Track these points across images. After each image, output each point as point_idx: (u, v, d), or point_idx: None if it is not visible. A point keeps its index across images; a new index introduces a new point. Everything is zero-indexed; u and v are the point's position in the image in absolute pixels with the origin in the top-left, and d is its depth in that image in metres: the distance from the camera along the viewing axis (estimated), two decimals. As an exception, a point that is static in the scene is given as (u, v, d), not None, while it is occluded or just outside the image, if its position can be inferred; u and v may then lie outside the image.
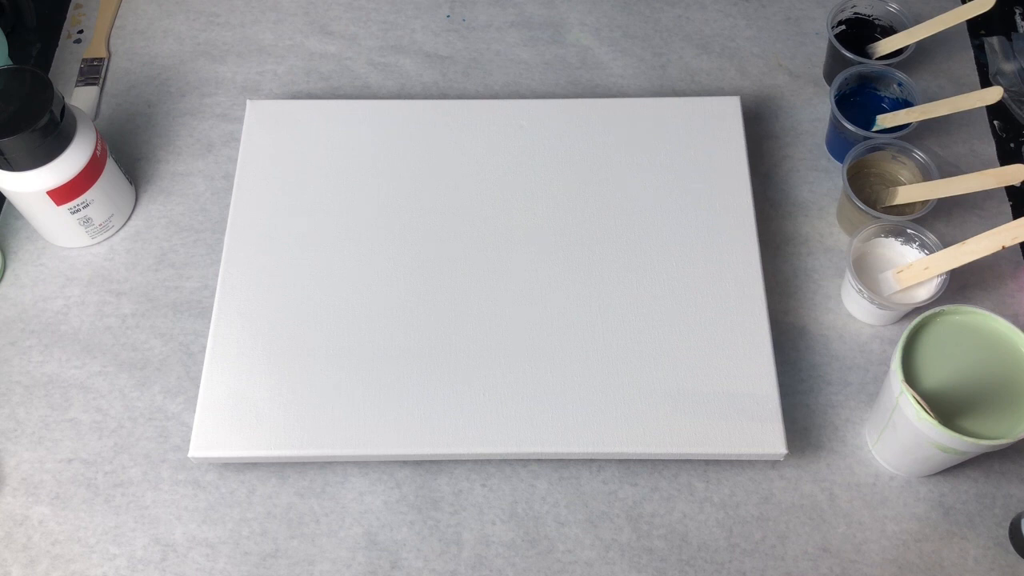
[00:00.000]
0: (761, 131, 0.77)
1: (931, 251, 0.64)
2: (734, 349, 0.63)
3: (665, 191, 0.70)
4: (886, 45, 0.74)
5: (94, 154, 0.66)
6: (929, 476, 0.62)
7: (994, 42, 0.80)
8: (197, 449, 0.61)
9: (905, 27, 0.74)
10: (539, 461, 0.63)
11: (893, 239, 0.66)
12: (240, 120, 0.77)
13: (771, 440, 0.60)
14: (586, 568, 0.60)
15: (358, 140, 0.72)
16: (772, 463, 0.63)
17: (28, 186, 0.64)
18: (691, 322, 0.64)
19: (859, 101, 0.73)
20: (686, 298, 0.65)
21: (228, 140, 0.77)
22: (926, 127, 0.75)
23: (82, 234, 0.70)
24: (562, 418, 0.61)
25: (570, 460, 0.63)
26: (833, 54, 0.75)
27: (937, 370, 0.56)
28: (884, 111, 0.72)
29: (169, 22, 0.83)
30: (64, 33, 0.83)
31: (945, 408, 0.54)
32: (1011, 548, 0.60)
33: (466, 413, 0.61)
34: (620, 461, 0.63)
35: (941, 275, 0.63)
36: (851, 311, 0.68)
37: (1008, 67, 0.79)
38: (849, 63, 0.72)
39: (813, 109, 0.78)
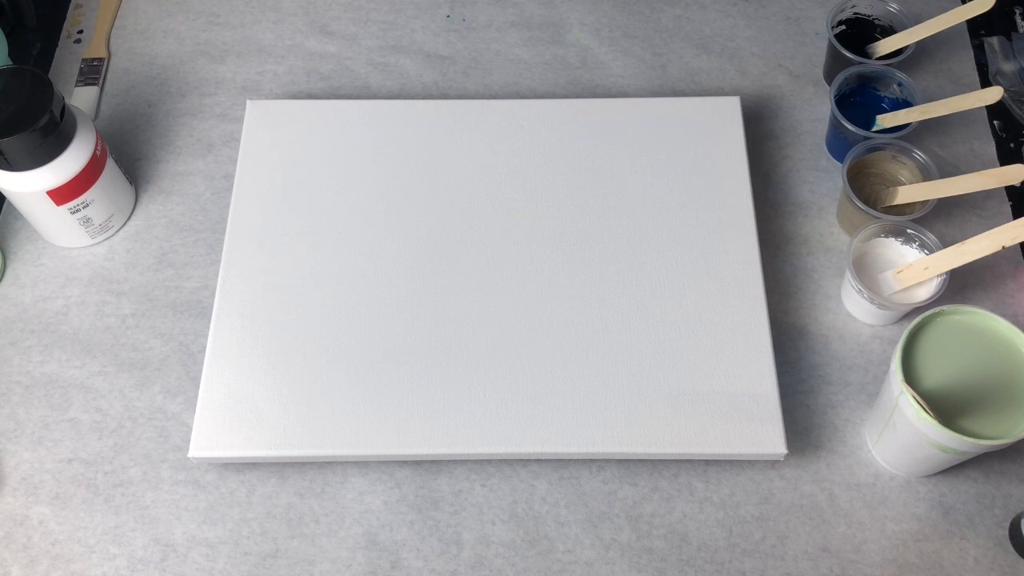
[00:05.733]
0: (761, 131, 0.77)
1: (931, 251, 0.64)
2: (734, 349, 0.63)
3: (665, 191, 0.70)
4: (886, 45, 0.74)
5: (94, 154, 0.66)
6: (929, 476, 0.62)
7: (994, 42, 0.80)
8: (197, 449, 0.61)
9: (905, 27, 0.74)
10: (539, 461, 0.63)
11: (893, 239, 0.66)
12: (240, 120, 0.77)
13: (771, 440, 0.60)
14: (586, 568, 0.60)
15: (358, 140, 0.72)
16: (772, 463, 0.63)
17: (28, 186, 0.64)
18: (691, 322, 0.64)
19: (859, 101, 0.73)
20: (686, 298, 0.65)
21: (228, 140, 0.77)
22: (926, 127, 0.75)
23: (82, 234, 0.70)
24: (562, 418, 0.61)
25: (570, 460, 0.63)
26: (833, 54, 0.75)
27: (937, 370, 0.56)
28: (884, 111, 0.72)
29: (169, 22, 0.83)
30: (64, 33, 0.83)
31: (945, 408, 0.54)
32: (1011, 548, 0.60)
33: (466, 413, 0.61)
34: (620, 461, 0.63)
35: (941, 275, 0.63)
36: (851, 311, 0.68)
37: (1008, 67, 0.79)
38: (849, 63, 0.72)
39: (813, 109, 0.78)
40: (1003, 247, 0.60)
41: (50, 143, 0.63)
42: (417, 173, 0.71)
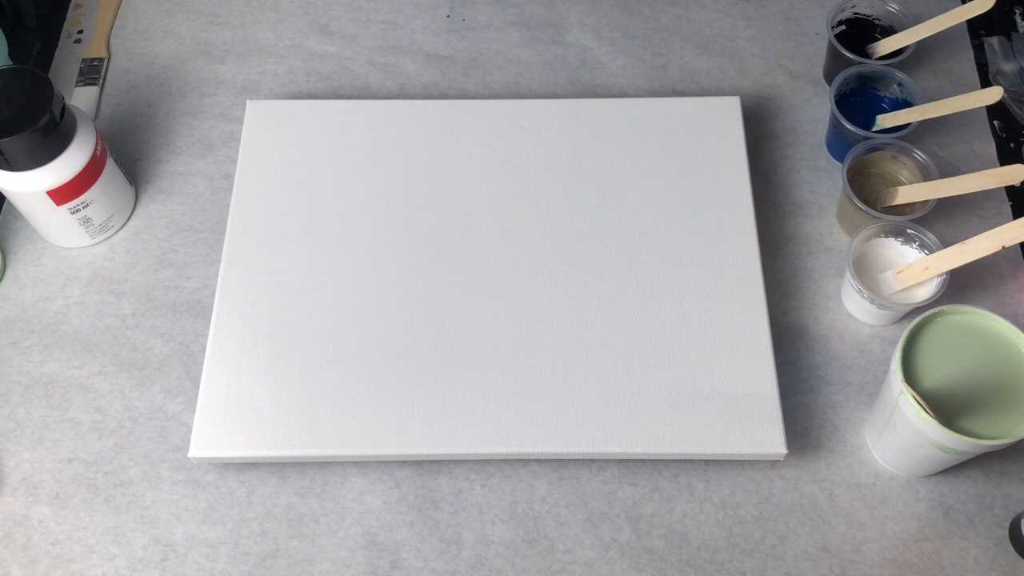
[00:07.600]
0: (761, 131, 0.77)
1: (931, 251, 0.64)
2: (734, 349, 0.63)
3: (665, 191, 0.70)
4: (886, 45, 0.74)
5: (94, 154, 0.66)
6: (929, 476, 0.62)
7: (994, 42, 0.80)
8: (197, 449, 0.61)
9: (905, 27, 0.74)
10: (539, 461, 0.63)
11: (893, 239, 0.66)
12: (240, 120, 0.77)
13: (771, 440, 0.60)
14: (586, 568, 0.60)
15: (358, 140, 0.72)
16: (772, 463, 0.63)
17: (28, 186, 0.64)
18: (691, 322, 0.64)
19: (859, 101, 0.73)
20: (686, 298, 0.65)
21: (228, 140, 0.77)
22: (926, 127, 0.75)
23: (82, 234, 0.70)
24: (562, 418, 0.61)
25: (570, 460, 0.63)
26: (833, 54, 0.75)
27: (937, 370, 0.56)
28: (884, 111, 0.72)
29: (169, 22, 0.83)
30: (64, 33, 0.83)
31: (945, 408, 0.54)
32: (1011, 548, 0.60)
33: (466, 413, 0.61)
34: (620, 461, 0.63)
35: (941, 275, 0.63)
36: (851, 311, 0.68)
37: (1008, 67, 0.79)
38: (849, 63, 0.72)
39: (813, 109, 0.78)
40: (1003, 247, 0.60)
41: (50, 143, 0.63)
42: (417, 173, 0.71)
